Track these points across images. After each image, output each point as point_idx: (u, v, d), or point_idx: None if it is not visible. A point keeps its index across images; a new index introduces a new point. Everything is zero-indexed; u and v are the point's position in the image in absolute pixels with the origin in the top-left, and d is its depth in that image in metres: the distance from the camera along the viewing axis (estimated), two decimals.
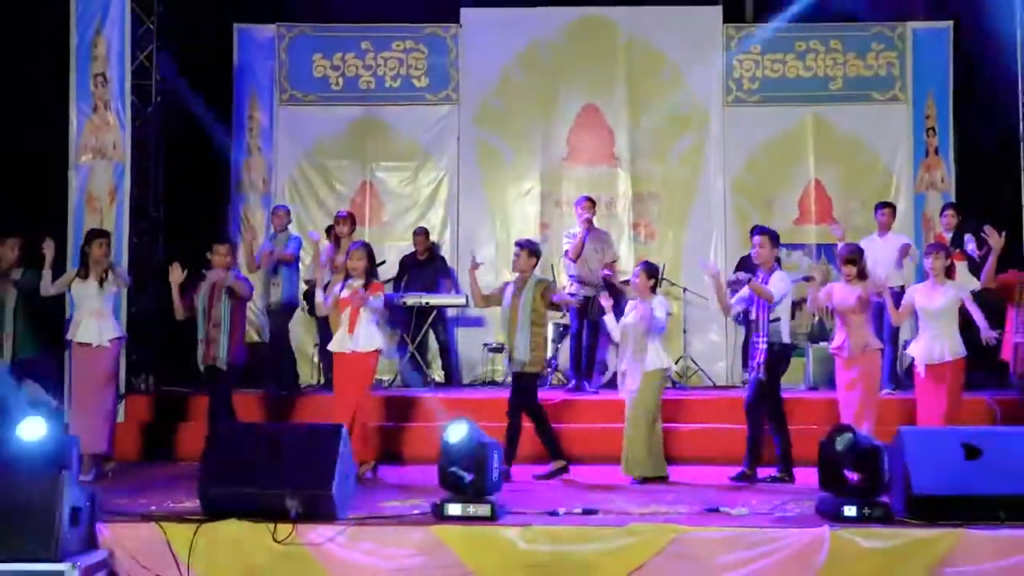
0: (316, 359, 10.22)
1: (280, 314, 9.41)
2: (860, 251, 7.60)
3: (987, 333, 7.36)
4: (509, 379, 8.08)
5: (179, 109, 10.29)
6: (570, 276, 9.48)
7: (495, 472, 5.72)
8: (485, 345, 10.55)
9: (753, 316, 7.40)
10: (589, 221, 9.45)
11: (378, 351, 7.57)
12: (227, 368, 7.65)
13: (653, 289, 7.56)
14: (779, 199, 11.03)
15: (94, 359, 7.52)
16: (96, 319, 7.53)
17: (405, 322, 10.18)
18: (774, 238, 7.60)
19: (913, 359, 7.49)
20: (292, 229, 9.76)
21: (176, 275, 7.59)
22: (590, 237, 9.41)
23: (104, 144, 9.09)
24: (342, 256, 8.27)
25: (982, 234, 7.66)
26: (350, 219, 9.66)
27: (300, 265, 9.77)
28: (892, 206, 9.70)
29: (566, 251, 9.51)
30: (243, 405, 8.10)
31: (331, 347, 7.59)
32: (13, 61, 9.32)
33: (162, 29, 9.96)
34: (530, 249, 7.70)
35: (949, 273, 7.58)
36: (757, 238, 7.58)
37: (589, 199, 9.67)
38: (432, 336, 10.38)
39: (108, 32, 9.08)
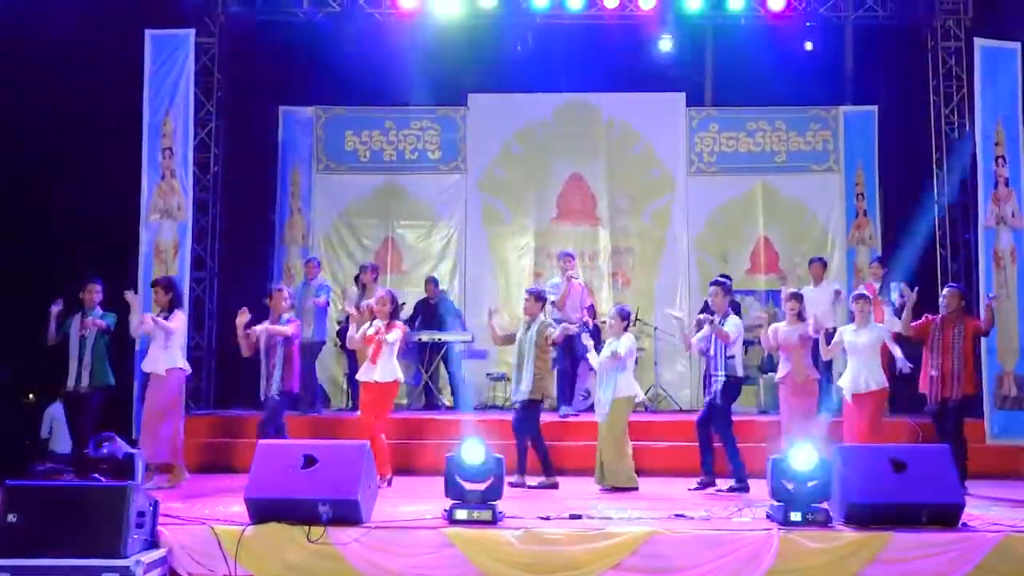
0: (346, 386, 10.19)
1: (315, 349, 9.37)
2: (800, 295, 7.61)
3: (902, 363, 7.33)
4: (511, 404, 8.01)
5: (233, 177, 10.35)
6: (554, 319, 9.36)
7: (497, 482, 5.68)
8: (488, 375, 10.53)
9: (712, 352, 7.32)
10: (571, 276, 9.34)
11: (396, 381, 7.53)
12: (280, 396, 7.56)
13: (625, 328, 7.51)
14: (733, 253, 11.06)
15: (157, 385, 7.46)
16: (161, 352, 7.48)
17: (419, 355, 10.17)
18: (726, 288, 7.56)
19: (842, 388, 7.44)
20: (321, 277, 9.74)
21: (243, 318, 7.46)
22: (571, 289, 9.25)
23: (170, 206, 9.12)
24: (368, 300, 8.24)
25: (899, 290, 7.61)
26: (373, 269, 9.67)
27: (331, 308, 9.74)
28: (822, 260, 9.75)
29: (552, 301, 9.35)
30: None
31: (359, 376, 7.54)
32: (96, 136, 9.39)
33: (220, 110, 10.08)
34: (536, 295, 7.64)
35: (876, 316, 7.53)
36: (711, 288, 7.54)
37: (568, 255, 9.53)
38: (443, 367, 10.36)
39: (175, 113, 9.14)
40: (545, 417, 8.86)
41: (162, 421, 7.40)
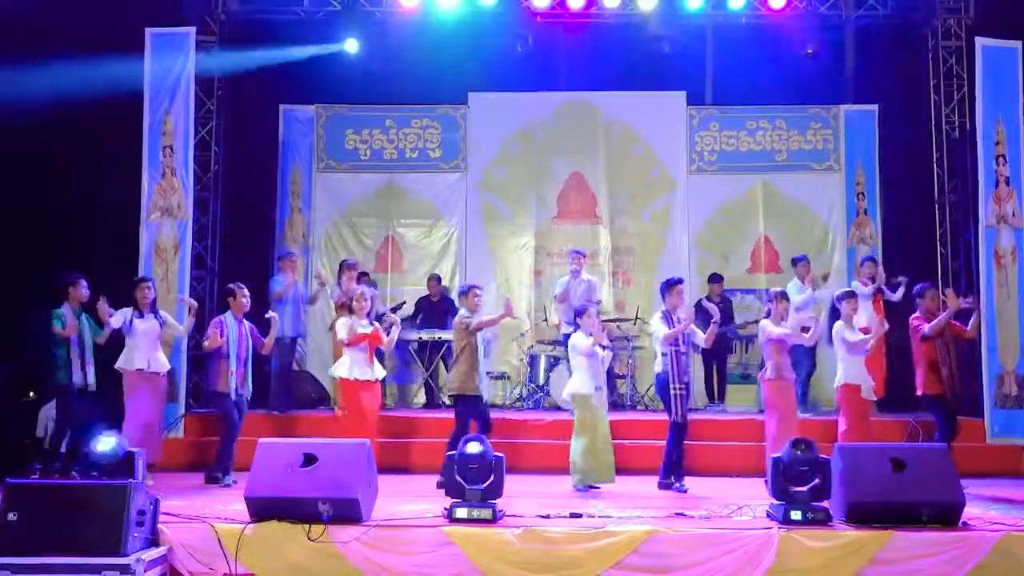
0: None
1: (290, 345, 9.34)
2: (787, 294, 7.64)
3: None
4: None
5: (233, 175, 10.34)
6: (565, 320, 9.38)
7: (497, 481, 5.68)
8: (488, 373, 10.45)
9: (685, 350, 7.22)
10: (575, 271, 9.38)
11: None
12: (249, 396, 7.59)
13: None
14: (734, 252, 11.04)
15: (154, 384, 7.49)
16: (155, 352, 7.52)
17: (420, 353, 10.15)
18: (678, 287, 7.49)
19: (837, 387, 7.42)
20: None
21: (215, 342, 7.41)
22: (575, 284, 9.30)
23: (170, 205, 9.11)
24: (345, 296, 8.32)
25: (943, 295, 7.52)
26: (355, 266, 9.65)
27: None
28: (806, 258, 9.67)
29: (556, 295, 9.45)
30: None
31: (360, 375, 7.47)
32: (96, 135, 9.38)
33: (220, 109, 10.08)
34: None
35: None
36: (677, 287, 7.38)
37: (577, 252, 9.59)
38: (443, 365, 10.33)
39: (175, 111, 9.14)
40: (547, 415, 8.91)
41: (156, 419, 7.51)
